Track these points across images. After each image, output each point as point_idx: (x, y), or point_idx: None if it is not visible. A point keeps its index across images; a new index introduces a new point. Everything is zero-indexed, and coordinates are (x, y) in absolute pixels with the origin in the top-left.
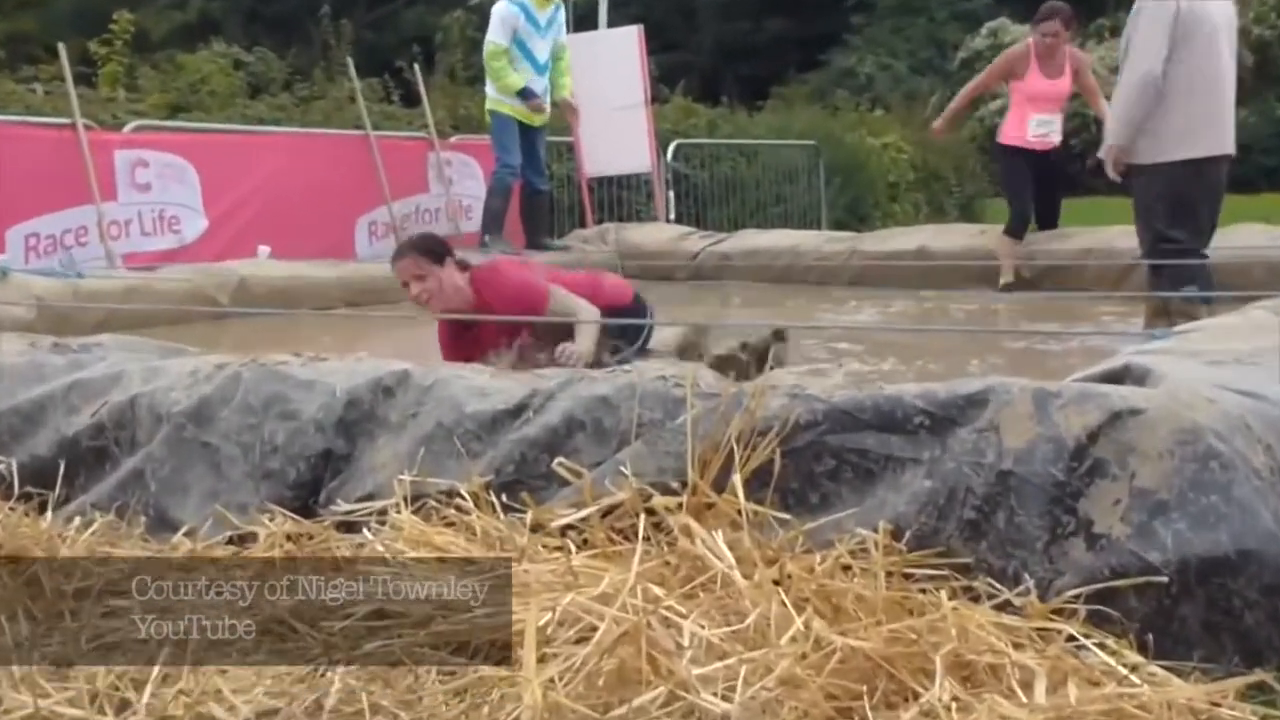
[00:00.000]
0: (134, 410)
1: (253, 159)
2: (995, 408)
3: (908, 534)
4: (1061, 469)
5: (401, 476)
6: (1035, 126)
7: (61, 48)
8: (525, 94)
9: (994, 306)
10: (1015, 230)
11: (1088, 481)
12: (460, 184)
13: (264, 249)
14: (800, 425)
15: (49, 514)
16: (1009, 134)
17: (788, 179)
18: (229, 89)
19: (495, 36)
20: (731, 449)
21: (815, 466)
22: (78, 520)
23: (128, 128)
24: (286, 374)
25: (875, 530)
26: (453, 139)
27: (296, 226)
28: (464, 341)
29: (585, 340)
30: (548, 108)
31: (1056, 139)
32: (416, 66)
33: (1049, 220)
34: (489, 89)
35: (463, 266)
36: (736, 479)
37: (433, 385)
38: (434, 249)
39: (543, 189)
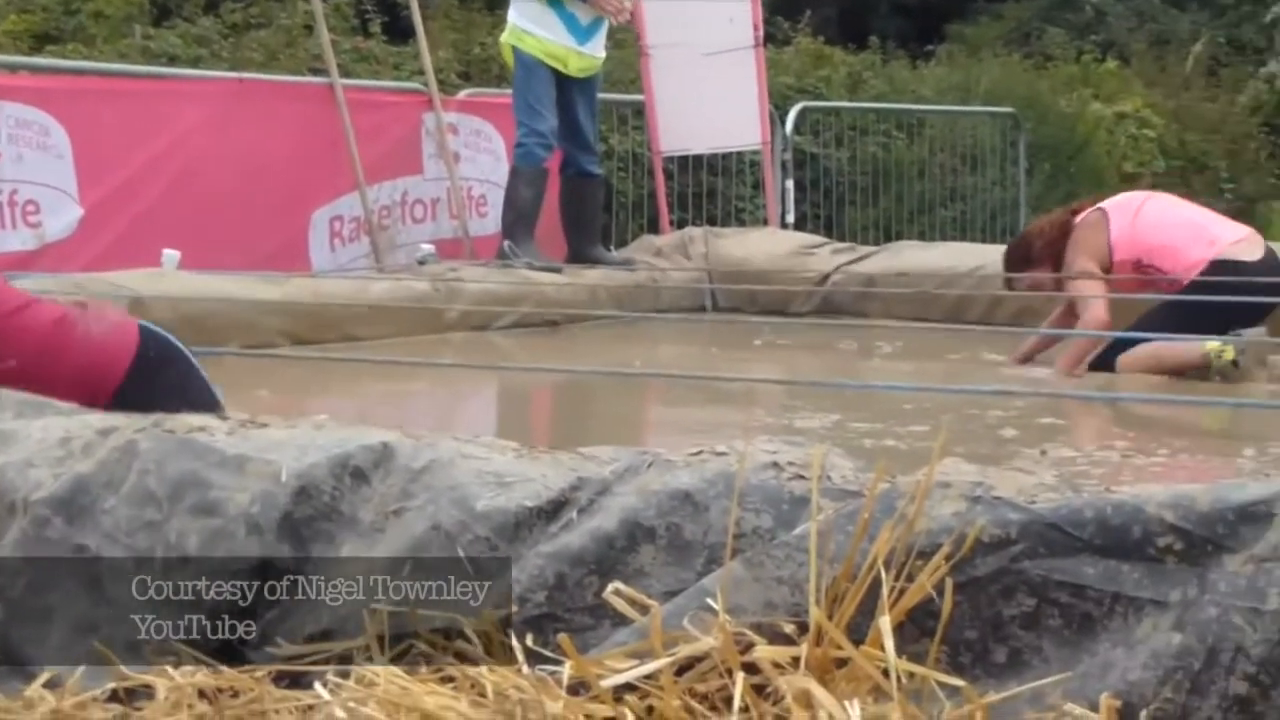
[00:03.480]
0: None
1: (156, 118)
2: None
3: (1144, 714)
4: None
5: (376, 605)
6: None
7: None
8: None
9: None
10: None
11: None
12: (472, 161)
13: (171, 254)
14: (984, 545)
15: None
16: None
17: (969, 164)
18: (122, 9)
19: None
20: (877, 577)
21: (1005, 608)
22: None
23: None
24: (205, 446)
25: (1095, 707)
26: (462, 94)
27: (221, 221)
28: None
29: None
30: (602, 50)
31: None
32: None
33: None
34: (511, 12)
35: None
36: (884, 622)
37: (427, 467)
38: None
39: (594, 173)
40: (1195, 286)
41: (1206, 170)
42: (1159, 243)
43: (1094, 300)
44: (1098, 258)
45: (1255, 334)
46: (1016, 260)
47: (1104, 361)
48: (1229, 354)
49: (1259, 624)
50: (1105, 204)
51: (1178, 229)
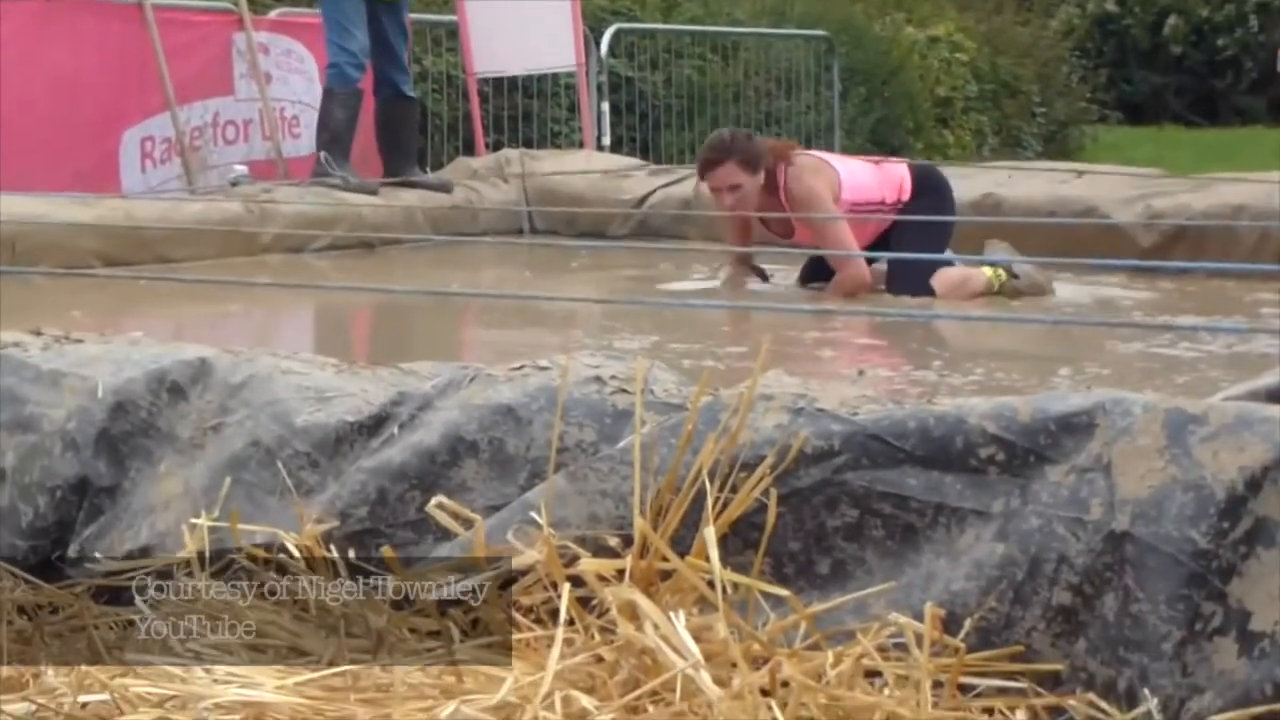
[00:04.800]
0: None
1: None
2: (1105, 437)
3: (968, 624)
4: (1205, 532)
5: (196, 520)
6: None
7: None
8: None
9: (1098, 286)
10: None
11: (1244, 552)
12: (284, 82)
13: None
14: (807, 456)
15: None
16: None
17: (784, 88)
18: None
19: None
20: (701, 489)
21: (828, 519)
22: None
23: None
24: (20, 361)
25: (919, 617)
26: (273, 13)
27: (30, 142)
28: None
29: None
30: None
31: None
32: None
33: None
34: None
35: None
36: (708, 533)
37: (246, 383)
38: None
39: (408, 94)
40: (921, 195)
41: (1018, 94)
42: (867, 176)
43: (854, 258)
44: (831, 193)
45: (1000, 247)
46: (745, 148)
47: (921, 288)
48: (1004, 275)
49: (1082, 534)
50: (807, 154)
51: (862, 164)
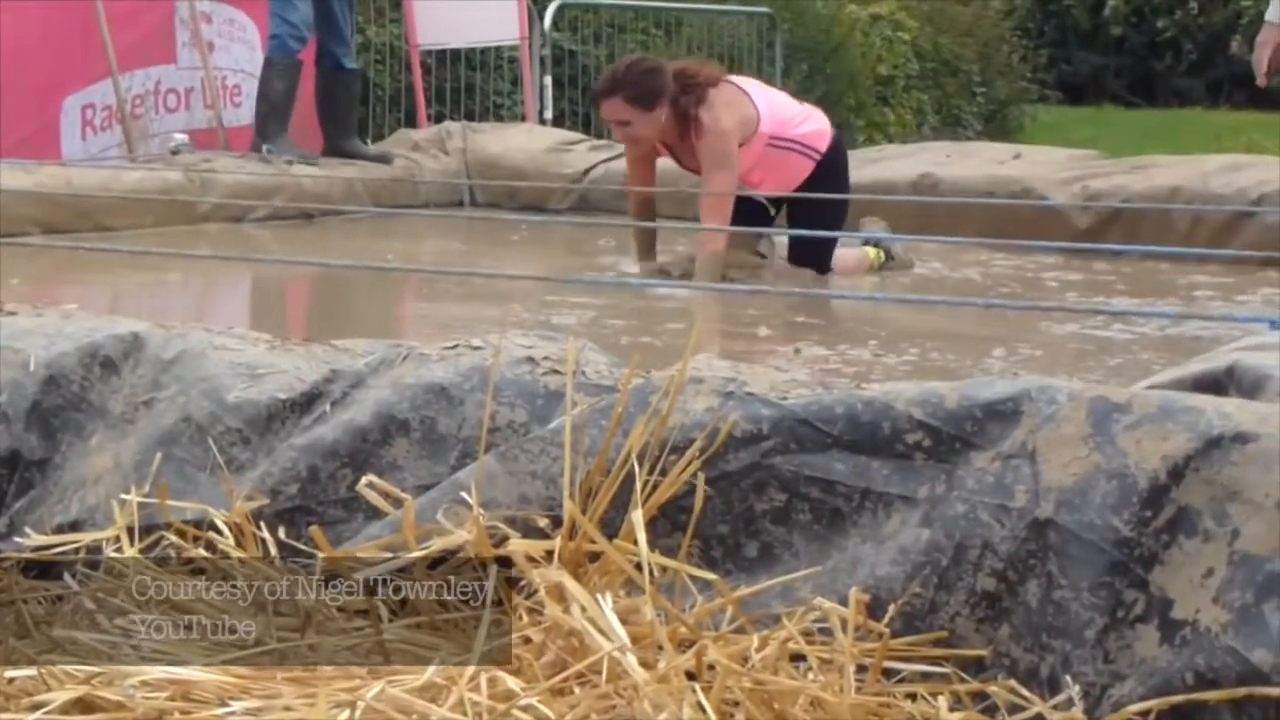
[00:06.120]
0: None
1: None
2: (1031, 424)
3: (892, 609)
4: (1128, 520)
5: (125, 495)
6: None
7: None
8: None
9: (1031, 268)
10: None
11: (1167, 541)
12: (226, 51)
13: None
14: (736, 440)
15: None
16: None
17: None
18: None
19: None
20: (631, 471)
21: (756, 503)
22: None
23: None
24: None
25: (844, 601)
26: None
27: None
28: None
29: None
30: None
31: None
32: None
33: None
34: None
35: None
36: (636, 516)
37: (178, 358)
38: None
39: (349, 67)
40: (828, 164)
41: (959, 73)
42: (792, 112)
43: (718, 216)
44: (744, 133)
45: (877, 224)
46: (639, 83)
47: (825, 264)
48: (883, 256)
49: (1006, 521)
50: (729, 80)
51: (786, 100)
